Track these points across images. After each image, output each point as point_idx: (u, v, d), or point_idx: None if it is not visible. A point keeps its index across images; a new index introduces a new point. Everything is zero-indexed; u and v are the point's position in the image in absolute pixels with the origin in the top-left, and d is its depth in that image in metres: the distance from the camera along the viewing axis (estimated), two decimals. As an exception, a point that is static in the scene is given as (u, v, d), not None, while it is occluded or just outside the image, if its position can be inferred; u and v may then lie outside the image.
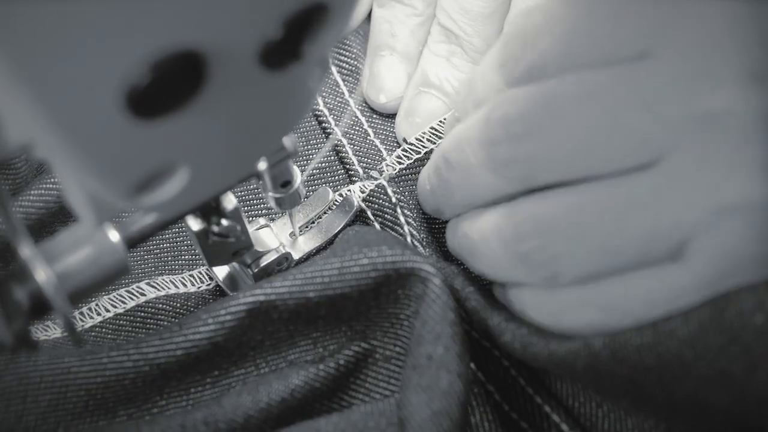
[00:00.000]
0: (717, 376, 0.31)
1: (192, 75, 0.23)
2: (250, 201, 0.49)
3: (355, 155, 0.48)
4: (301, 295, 0.37)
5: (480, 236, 0.37)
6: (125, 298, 0.44)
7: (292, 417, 0.37)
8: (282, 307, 0.37)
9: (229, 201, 0.37)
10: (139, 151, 0.25)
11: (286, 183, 0.40)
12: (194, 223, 0.37)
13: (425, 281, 0.37)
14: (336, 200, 0.47)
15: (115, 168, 0.25)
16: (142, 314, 0.44)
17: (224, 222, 0.38)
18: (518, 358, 0.38)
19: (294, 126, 0.33)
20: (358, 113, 0.50)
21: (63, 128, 0.22)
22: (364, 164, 0.48)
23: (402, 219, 0.45)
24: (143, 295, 0.44)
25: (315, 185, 0.48)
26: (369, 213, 0.46)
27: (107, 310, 0.44)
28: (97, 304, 0.44)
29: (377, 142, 0.49)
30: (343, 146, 0.49)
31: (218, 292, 0.45)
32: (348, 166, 0.48)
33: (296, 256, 0.45)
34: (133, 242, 0.35)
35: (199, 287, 0.45)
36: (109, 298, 0.44)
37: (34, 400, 0.36)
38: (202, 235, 0.38)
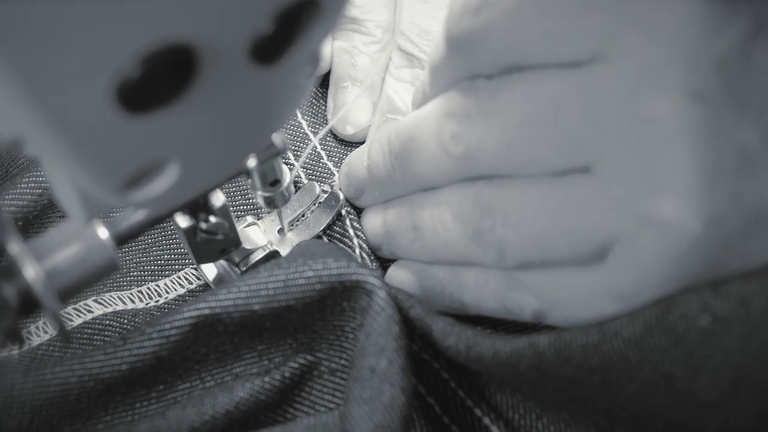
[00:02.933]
0: (660, 379, 0.31)
1: (183, 69, 0.23)
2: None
3: (308, 179, 0.49)
4: (246, 308, 0.37)
5: (431, 217, 0.39)
6: (72, 315, 0.44)
7: (237, 430, 0.37)
8: (227, 320, 0.37)
9: (218, 198, 0.38)
10: (129, 147, 0.24)
11: (276, 182, 0.40)
12: (182, 220, 0.38)
13: (370, 294, 0.37)
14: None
15: (105, 163, 0.25)
16: (89, 331, 0.44)
17: (212, 219, 0.38)
18: (460, 365, 0.39)
19: (284, 123, 0.32)
20: (311, 135, 0.51)
21: (53, 123, 0.22)
22: None
23: (351, 231, 0.45)
24: (90, 312, 0.44)
25: (266, 210, 0.48)
26: None
27: (54, 328, 0.44)
28: (44, 322, 0.44)
29: (330, 164, 0.49)
30: (296, 169, 0.49)
31: (166, 309, 0.45)
32: None
33: (284, 253, 0.45)
34: (122, 239, 0.35)
35: (147, 303, 0.45)
36: None
37: None
38: (190, 233, 0.38)
